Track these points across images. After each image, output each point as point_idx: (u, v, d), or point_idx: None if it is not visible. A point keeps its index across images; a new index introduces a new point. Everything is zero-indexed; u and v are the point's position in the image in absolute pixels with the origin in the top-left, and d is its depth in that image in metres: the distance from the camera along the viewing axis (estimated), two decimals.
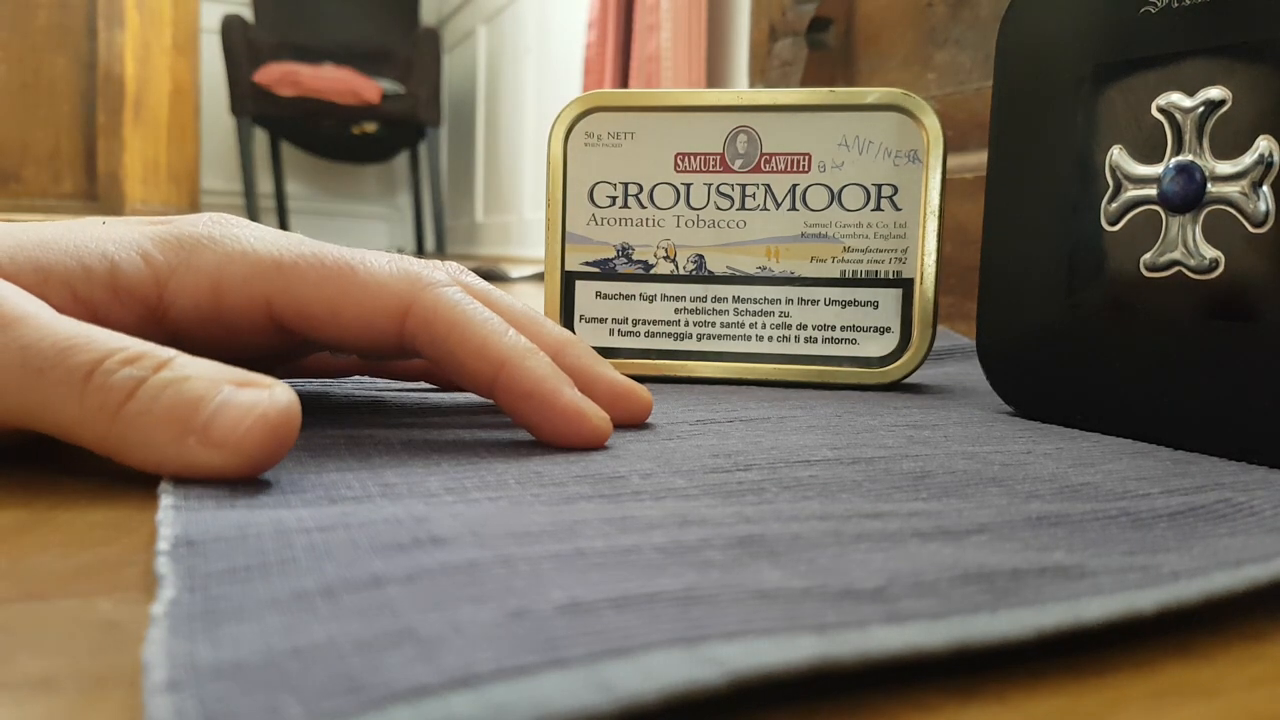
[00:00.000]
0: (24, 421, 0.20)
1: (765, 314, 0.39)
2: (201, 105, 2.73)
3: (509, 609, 0.13)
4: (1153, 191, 0.28)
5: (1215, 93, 0.26)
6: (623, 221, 0.39)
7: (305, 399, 0.31)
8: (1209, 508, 0.20)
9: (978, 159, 0.69)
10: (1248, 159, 0.26)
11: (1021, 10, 0.32)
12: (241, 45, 2.84)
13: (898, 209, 0.38)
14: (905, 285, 0.38)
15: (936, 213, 0.38)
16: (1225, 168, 0.26)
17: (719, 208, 0.39)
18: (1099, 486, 0.22)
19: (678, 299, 0.39)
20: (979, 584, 0.15)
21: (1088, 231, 0.30)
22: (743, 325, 0.39)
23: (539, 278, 1.40)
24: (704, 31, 1.83)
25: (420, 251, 3.32)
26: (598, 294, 0.40)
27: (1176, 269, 0.27)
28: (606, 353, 0.39)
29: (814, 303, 0.39)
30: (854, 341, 0.38)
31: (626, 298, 0.39)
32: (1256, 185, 0.26)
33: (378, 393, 0.33)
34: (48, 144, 2.17)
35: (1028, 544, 0.17)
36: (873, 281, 0.38)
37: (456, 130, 3.53)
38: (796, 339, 0.39)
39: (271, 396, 0.19)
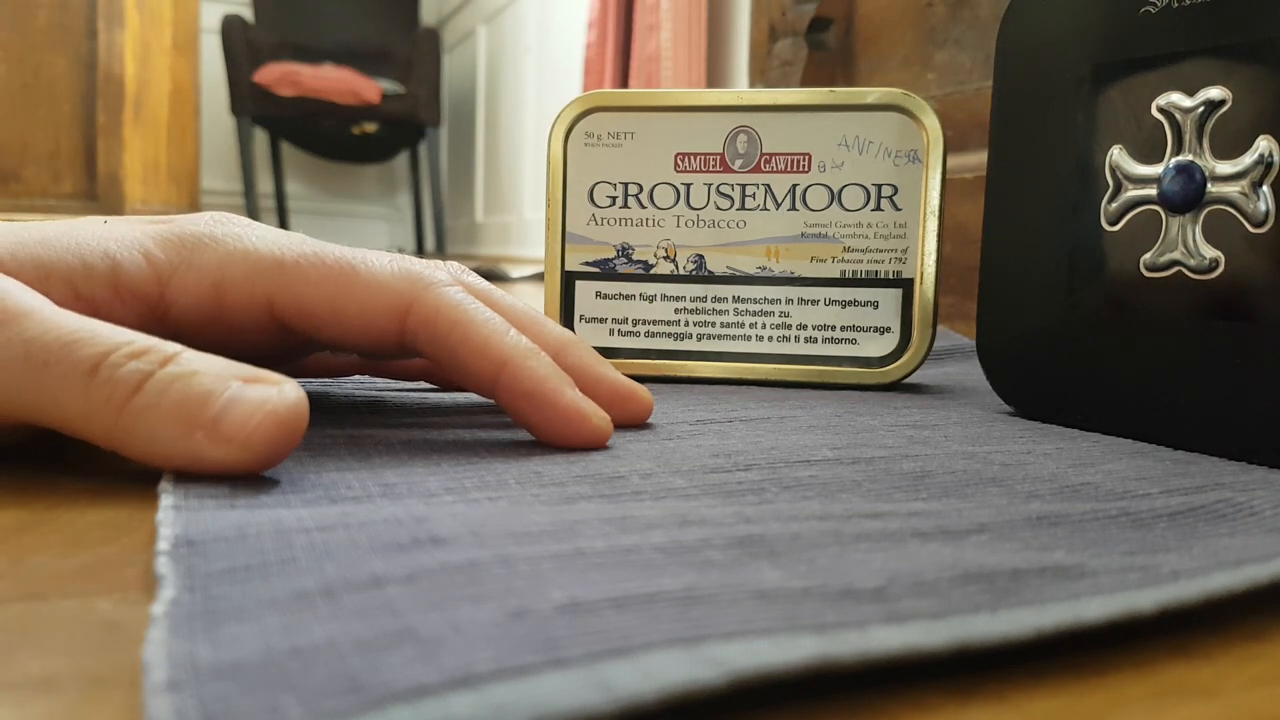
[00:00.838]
0: (28, 416, 0.20)
1: (765, 314, 0.39)
2: (201, 105, 2.73)
3: (509, 609, 0.13)
4: (1153, 191, 0.28)
5: (1215, 93, 0.26)
6: (623, 221, 0.39)
7: None
8: (1209, 508, 0.20)
9: (978, 159, 0.69)
10: (1248, 159, 0.26)
11: (1021, 10, 0.32)
12: (241, 45, 2.84)
13: (898, 209, 0.38)
14: (905, 285, 0.38)
15: (936, 213, 0.38)
16: (1225, 168, 0.26)
17: (719, 208, 0.39)
18: (1099, 486, 0.22)
19: (678, 299, 0.39)
20: (979, 584, 0.15)
21: (1088, 231, 0.30)
22: (743, 325, 0.39)
23: (539, 278, 1.40)
24: (704, 31, 1.83)
25: (420, 251, 3.32)
26: (598, 294, 0.40)
27: (1176, 269, 0.27)
28: (607, 353, 0.39)
29: (814, 303, 0.39)
30: (854, 341, 0.38)
31: (626, 298, 0.39)
32: (1256, 185, 0.26)
33: (378, 393, 0.33)
34: (48, 144, 2.17)
35: (1028, 544, 0.17)
36: (873, 281, 0.38)
37: (456, 130, 3.53)
38: (796, 339, 0.39)
39: (281, 393, 0.20)
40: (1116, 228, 0.29)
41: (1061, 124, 0.30)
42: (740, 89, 0.40)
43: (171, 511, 0.18)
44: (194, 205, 2.64)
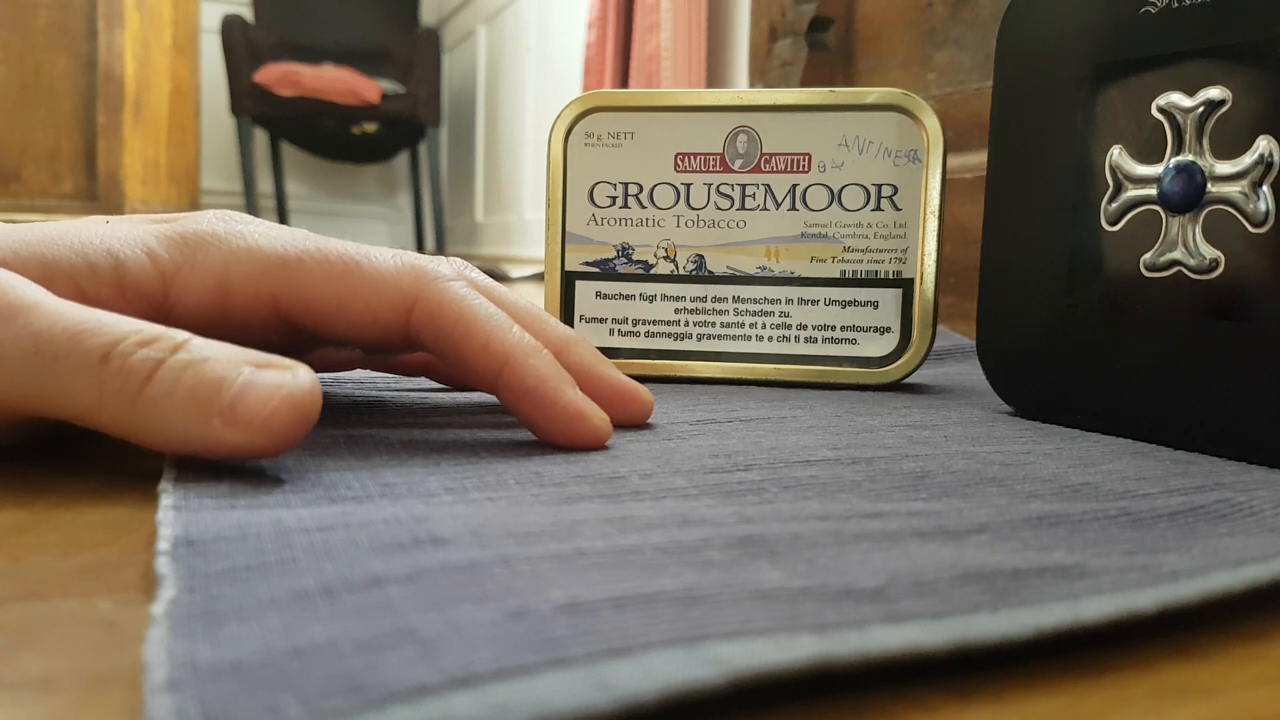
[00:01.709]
0: (40, 409, 0.20)
1: (765, 314, 0.39)
2: (201, 105, 2.73)
3: (509, 609, 0.13)
4: (1153, 191, 0.28)
5: (1215, 93, 0.26)
6: (623, 221, 0.39)
7: None
8: (1209, 507, 0.20)
9: (978, 159, 0.69)
10: (1248, 159, 0.26)
11: (1021, 10, 0.32)
12: (241, 45, 2.84)
13: (898, 209, 0.38)
14: (905, 285, 0.38)
15: (936, 213, 0.38)
16: (1225, 168, 0.26)
17: (719, 208, 0.39)
18: (1099, 486, 0.22)
19: (678, 299, 0.39)
20: (979, 584, 0.15)
21: (1088, 232, 0.30)
22: (743, 325, 0.39)
23: (539, 278, 1.40)
24: (704, 31, 1.83)
25: (420, 252, 3.31)
26: (598, 294, 0.40)
27: (1176, 269, 0.27)
28: (607, 353, 0.39)
29: (814, 303, 0.39)
30: (854, 341, 0.38)
31: (626, 298, 0.39)
32: (1256, 185, 0.26)
33: (378, 393, 0.33)
34: (48, 144, 2.17)
35: (1028, 544, 0.17)
36: (873, 281, 0.38)
37: (456, 130, 3.53)
38: (796, 339, 0.39)
39: (296, 377, 0.20)
40: (1116, 228, 0.29)
41: (1061, 124, 0.30)
42: (740, 89, 0.40)
43: (171, 511, 0.18)
44: (194, 205, 2.64)
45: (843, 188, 0.38)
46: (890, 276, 0.38)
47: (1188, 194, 0.27)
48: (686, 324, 0.39)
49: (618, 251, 0.39)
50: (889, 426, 0.29)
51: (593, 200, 0.40)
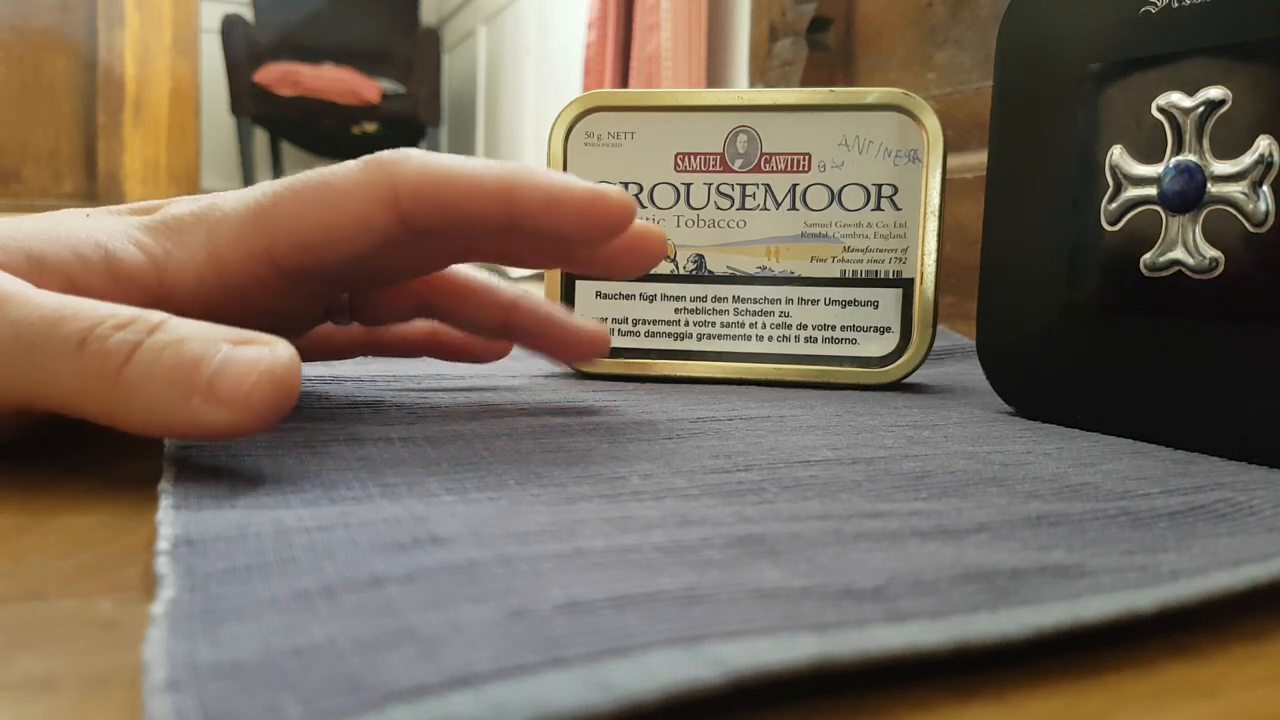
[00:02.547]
0: (26, 400, 0.20)
1: (765, 314, 0.39)
2: (201, 105, 2.73)
3: (509, 608, 0.13)
4: (1153, 191, 0.28)
5: (1215, 93, 0.26)
6: None
7: (305, 399, 0.31)
8: (1209, 507, 0.20)
9: (978, 159, 0.69)
10: (1248, 159, 0.26)
11: (1021, 10, 0.32)
12: (241, 45, 2.84)
13: (898, 209, 0.38)
14: (905, 285, 0.38)
15: (936, 213, 0.38)
16: (1225, 168, 0.26)
17: (719, 208, 0.39)
18: (1099, 486, 0.22)
19: (678, 299, 0.39)
20: (979, 583, 0.15)
21: (1088, 231, 0.30)
22: (743, 325, 0.39)
23: (539, 277, 1.40)
24: (704, 31, 1.83)
25: None
26: (598, 294, 0.40)
27: (1176, 269, 0.27)
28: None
29: (814, 303, 0.39)
30: (854, 341, 0.38)
31: (626, 297, 0.39)
32: (1256, 185, 0.26)
33: (378, 392, 0.33)
34: (48, 144, 2.17)
35: (1027, 543, 0.17)
36: (873, 281, 0.38)
37: (456, 130, 3.53)
38: (796, 339, 0.39)
39: (274, 352, 0.19)
40: (1116, 228, 0.29)
41: (1061, 124, 0.30)
42: (740, 89, 0.40)
43: (171, 511, 0.18)
44: None
45: (843, 188, 0.38)
46: (890, 276, 0.38)
47: (1188, 194, 0.27)
48: (686, 324, 0.39)
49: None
50: (889, 426, 0.29)
51: None
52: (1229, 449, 0.26)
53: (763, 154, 0.39)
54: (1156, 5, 0.28)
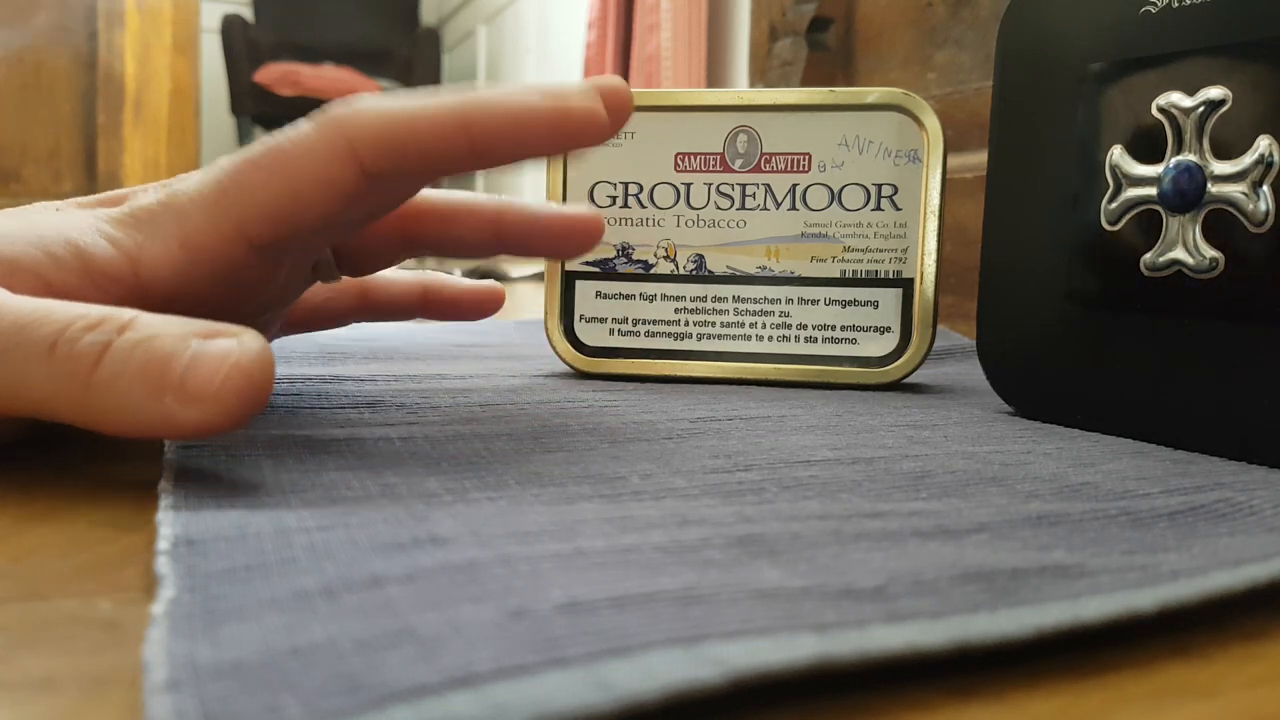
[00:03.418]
0: (1, 406, 0.20)
1: (765, 314, 0.39)
2: (201, 105, 2.73)
3: (509, 608, 0.13)
4: (1153, 191, 0.28)
5: (1215, 93, 0.26)
6: (623, 221, 0.39)
7: (305, 399, 0.31)
8: (1209, 507, 0.20)
9: (978, 159, 0.69)
10: (1248, 159, 0.26)
11: (1021, 10, 0.32)
12: (241, 45, 2.84)
13: (898, 209, 0.38)
14: (905, 285, 0.38)
15: (936, 213, 0.38)
16: (1225, 168, 0.26)
17: (719, 207, 0.39)
18: (1099, 486, 0.22)
19: (678, 299, 0.39)
20: (979, 583, 0.15)
21: (1088, 231, 0.30)
22: (743, 325, 0.39)
23: (539, 277, 1.40)
24: (704, 31, 1.83)
25: None
26: (598, 294, 0.40)
27: (1176, 269, 0.27)
28: (607, 352, 0.39)
29: (814, 302, 0.39)
30: (854, 341, 0.38)
31: (626, 297, 0.39)
32: (1256, 185, 0.26)
33: (378, 393, 0.33)
34: (48, 144, 2.17)
35: (1027, 543, 0.17)
36: (873, 281, 0.38)
37: None
38: (796, 339, 0.39)
39: (242, 344, 0.19)
40: (1116, 227, 0.29)
41: (1061, 124, 0.30)
42: (740, 89, 0.40)
43: (171, 511, 0.18)
44: None
45: (843, 187, 0.38)
46: (890, 276, 0.38)
47: (1188, 194, 0.27)
48: (686, 324, 0.39)
49: (618, 251, 0.39)
50: (889, 426, 0.29)
51: (593, 200, 0.40)
52: (1229, 449, 0.26)
53: (763, 154, 0.39)
54: (1156, 5, 0.28)
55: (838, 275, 0.38)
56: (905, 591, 0.14)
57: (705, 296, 0.39)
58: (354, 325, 0.38)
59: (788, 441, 0.26)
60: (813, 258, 0.39)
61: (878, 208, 0.38)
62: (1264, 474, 0.24)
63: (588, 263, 0.40)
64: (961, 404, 0.34)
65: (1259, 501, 0.21)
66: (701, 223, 0.39)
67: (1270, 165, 0.25)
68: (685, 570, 0.15)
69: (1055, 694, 0.13)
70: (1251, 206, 0.26)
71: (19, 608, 0.15)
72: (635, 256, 0.39)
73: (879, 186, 0.38)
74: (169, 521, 0.17)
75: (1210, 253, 0.27)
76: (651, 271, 0.39)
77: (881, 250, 0.38)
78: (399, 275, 0.35)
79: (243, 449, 0.23)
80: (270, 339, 0.23)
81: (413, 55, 2.98)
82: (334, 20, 3.00)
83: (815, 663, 0.12)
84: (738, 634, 0.12)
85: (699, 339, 0.39)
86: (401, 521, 0.17)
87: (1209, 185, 0.27)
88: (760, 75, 0.95)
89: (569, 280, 0.40)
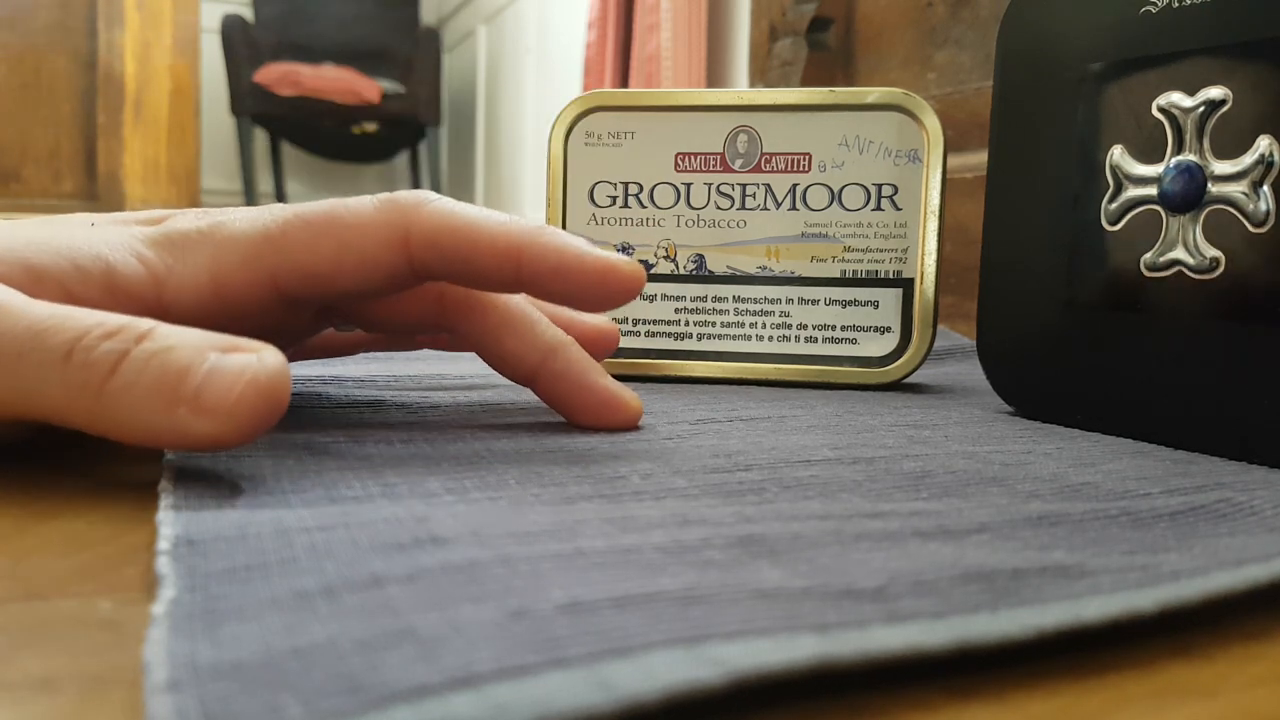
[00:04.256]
0: (14, 411, 0.20)
1: (765, 314, 0.39)
2: (201, 105, 2.73)
3: (509, 608, 0.13)
4: (1153, 191, 0.28)
5: (1215, 93, 0.26)
6: (623, 221, 0.39)
7: (305, 399, 0.31)
8: (1209, 507, 0.20)
9: (978, 159, 0.69)
10: (1248, 159, 0.26)
11: (1021, 10, 0.32)
12: (241, 45, 2.84)
13: (898, 209, 0.38)
14: (905, 285, 0.38)
15: (937, 213, 0.38)
16: (1225, 168, 0.26)
17: (719, 207, 0.39)
18: (1099, 486, 0.22)
19: (678, 299, 0.39)
20: (979, 583, 0.15)
21: (1088, 231, 0.30)
22: (743, 325, 0.39)
23: None
24: (704, 31, 1.83)
25: None
26: None
27: (1176, 269, 0.27)
28: None
29: (814, 302, 0.39)
30: (854, 341, 0.38)
31: None
32: (1257, 185, 0.26)
33: (378, 392, 0.33)
34: (48, 144, 2.17)
35: (1028, 543, 0.17)
36: (873, 281, 0.38)
37: (456, 130, 3.53)
38: (796, 339, 0.39)
39: (260, 360, 0.19)
40: (1117, 227, 0.29)
41: (1061, 124, 0.30)
42: (740, 89, 0.40)
43: (171, 511, 0.18)
44: (194, 204, 2.64)
45: (843, 187, 0.38)
46: (890, 276, 0.38)
47: (1188, 194, 0.27)
48: (686, 324, 0.39)
49: (618, 251, 0.39)
50: (889, 426, 0.29)
51: (593, 200, 0.40)
52: (1229, 449, 0.26)
53: (763, 154, 0.39)
54: (1156, 5, 0.28)
55: (838, 275, 0.38)
56: (906, 592, 0.14)
57: (705, 296, 0.39)
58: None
59: (788, 441, 0.26)
60: (813, 258, 0.39)
61: (878, 208, 0.38)
62: (1264, 474, 0.24)
63: None
64: (961, 404, 0.34)
65: (1260, 501, 0.21)
66: (702, 223, 0.39)
67: (1270, 165, 0.25)
68: (686, 570, 0.15)
69: (1055, 694, 0.13)
70: (1251, 206, 0.26)
71: (19, 608, 0.15)
72: (635, 256, 0.39)
73: (879, 186, 0.38)
74: (169, 521, 0.17)
75: (1210, 253, 0.27)
76: (652, 271, 0.39)
77: (882, 250, 0.38)
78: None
79: (243, 449, 0.23)
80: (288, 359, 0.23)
81: (413, 55, 2.98)
82: (334, 20, 3.00)
83: (816, 663, 0.12)
84: (738, 634, 0.12)
85: (699, 339, 0.39)
86: (401, 521, 0.17)
87: (1209, 185, 0.27)
88: (760, 75, 0.95)
89: None
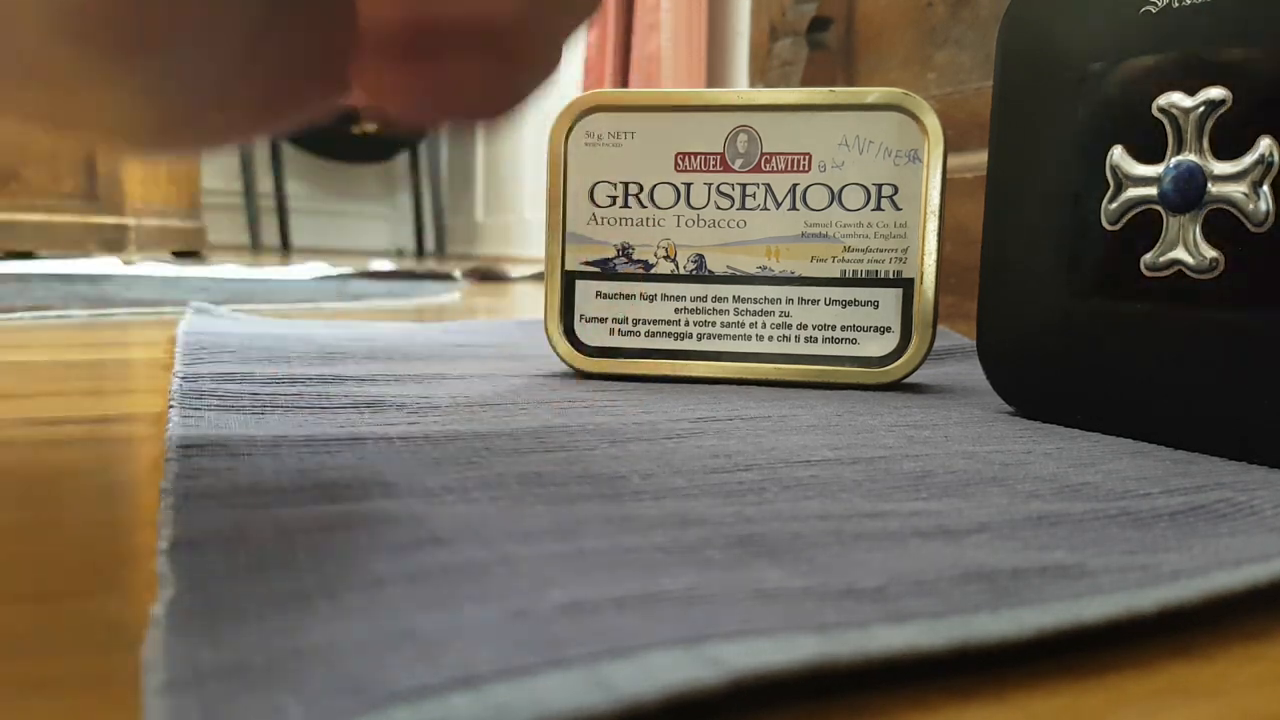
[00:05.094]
0: None
1: (765, 314, 0.39)
2: None
3: (510, 609, 0.13)
4: (1153, 191, 0.28)
5: (1215, 93, 0.26)
6: (623, 221, 0.39)
7: (305, 399, 0.31)
8: (1209, 507, 0.20)
9: (978, 159, 0.69)
10: (1248, 159, 0.26)
11: (1021, 10, 0.32)
12: None
13: (898, 209, 0.38)
14: (905, 285, 0.38)
15: (937, 212, 0.38)
16: (1225, 168, 0.26)
17: (719, 207, 0.39)
18: (1099, 486, 0.22)
19: (678, 299, 0.39)
20: (979, 583, 0.15)
21: (1088, 231, 0.30)
22: (743, 325, 0.39)
23: (539, 277, 1.40)
24: (704, 31, 1.83)
25: (420, 251, 3.32)
26: (598, 294, 0.40)
27: (1176, 269, 0.27)
28: (607, 352, 0.39)
29: (814, 302, 0.39)
30: (854, 341, 0.38)
31: (627, 297, 0.39)
32: (1256, 185, 0.26)
33: (378, 392, 0.33)
34: (48, 144, 2.17)
35: (1028, 543, 0.17)
36: (873, 281, 0.38)
37: (456, 130, 3.53)
38: (797, 339, 0.39)
39: None
40: (1117, 227, 0.29)
41: (1061, 124, 0.30)
42: (740, 89, 0.40)
43: (172, 511, 0.18)
44: (194, 205, 2.64)
45: (843, 187, 0.38)
46: (890, 276, 0.38)
47: (1188, 194, 0.27)
48: (687, 324, 0.39)
49: (618, 251, 0.39)
50: (889, 426, 0.29)
51: (593, 200, 0.40)
52: (1229, 449, 0.26)
53: (763, 154, 0.39)
54: (1156, 5, 0.28)
55: (838, 275, 0.38)
56: (906, 592, 0.14)
57: (705, 296, 0.39)
58: (354, 325, 0.38)
59: (788, 441, 0.26)
60: (813, 258, 0.39)
61: (878, 208, 0.38)
62: (1264, 474, 0.24)
63: (588, 262, 0.40)
64: (961, 404, 0.34)
65: (1259, 501, 0.21)
66: (702, 222, 0.39)
67: (1270, 165, 0.25)
68: (686, 570, 0.15)
69: (1055, 694, 0.13)
70: (1251, 206, 0.26)
71: (20, 608, 0.15)
72: (635, 256, 0.39)
73: (879, 186, 0.38)
74: (169, 521, 0.17)
75: (1210, 253, 0.27)
76: (652, 271, 0.39)
77: (882, 250, 0.38)
78: None
79: (243, 449, 0.23)
80: None
81: None
82: None
83: (816, 663, 0.12)
84: (738, 634, 0.12)
85: (699, 339, 0.39)
86: (402, 521, 0.17)
87: (1209, 185, 0.27)
88: (760, 75, 0.95)
89: (569, 280, 0.40)
